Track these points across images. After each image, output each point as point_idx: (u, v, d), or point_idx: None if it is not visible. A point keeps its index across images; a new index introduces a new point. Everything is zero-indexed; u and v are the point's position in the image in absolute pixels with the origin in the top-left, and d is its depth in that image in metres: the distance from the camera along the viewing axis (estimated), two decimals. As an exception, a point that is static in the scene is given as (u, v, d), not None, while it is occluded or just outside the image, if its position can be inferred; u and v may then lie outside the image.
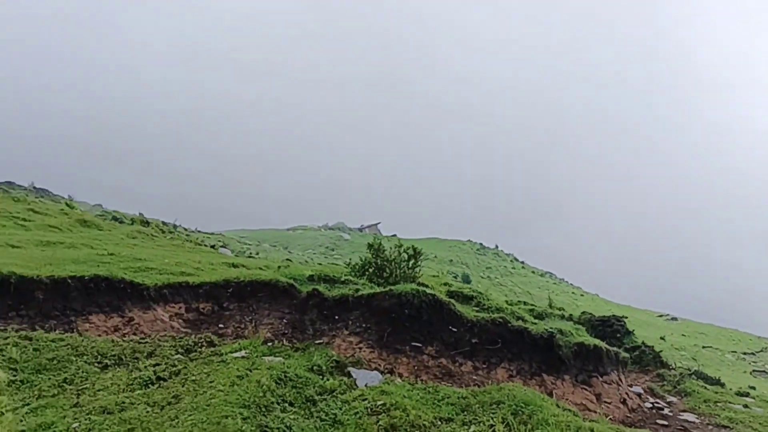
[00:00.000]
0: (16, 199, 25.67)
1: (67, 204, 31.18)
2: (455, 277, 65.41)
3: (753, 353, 51.82)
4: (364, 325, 12.05)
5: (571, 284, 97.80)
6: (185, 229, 51.25)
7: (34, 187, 54.95)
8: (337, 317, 12.40)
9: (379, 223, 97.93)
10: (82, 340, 10.34)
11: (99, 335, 11.06)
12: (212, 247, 31.05)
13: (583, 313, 21.75)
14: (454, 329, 12.06)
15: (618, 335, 19.20)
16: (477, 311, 12.92)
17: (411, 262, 16.75)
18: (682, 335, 56.40)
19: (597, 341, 13.17)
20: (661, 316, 74.02)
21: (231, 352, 10.69)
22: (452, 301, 12.39)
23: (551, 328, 12.52)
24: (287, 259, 34.65)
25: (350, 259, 18.19)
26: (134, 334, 11.44)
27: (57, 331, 10.58)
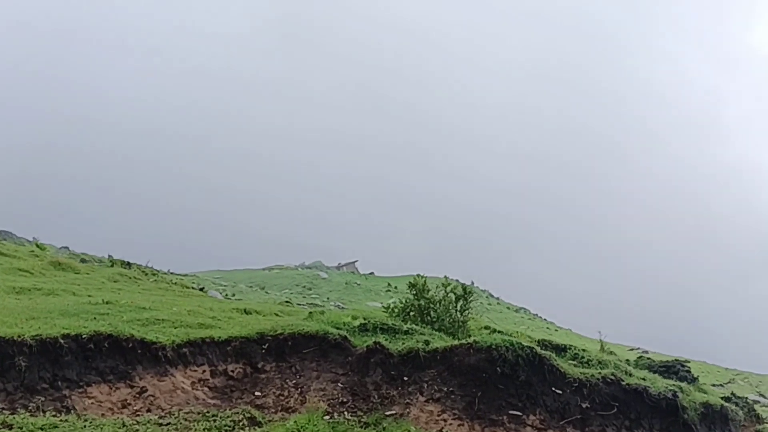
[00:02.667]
0: (-24, 240, 22.30)
1: (37, 245, 27.79)
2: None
3: (721, 385, 50.81)
4: (444, 389, 9.44)
5: (545, 319, 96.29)
6: (158, 271, 47.46)
7: (-6, 229, 50.46)
8: (406, 378, 9.76)
9: (356, 261, 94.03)
10: (83, 426, 7.54)
11: (103, 414, 8.20)
12: (201, 289, 27.85)
13: (640, 357, 19.43)
14: (559, 391, 9.56)
15: (686, 382, 16.90)
16: (577, 366, 10.41)
17: (460, 304, 14.29)
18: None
19: (721, 400, 10.80)
20: (632, 349, 72.42)
21: (286, 435, 8.03)
22: (552, 355, 9.91)
23: (670, 385, 10.12)
24: (287, 301, 31.64)
25: (328, 298, 15.79)
26: (149, 410, 8.60)
27: (47, 412, 7.71)
